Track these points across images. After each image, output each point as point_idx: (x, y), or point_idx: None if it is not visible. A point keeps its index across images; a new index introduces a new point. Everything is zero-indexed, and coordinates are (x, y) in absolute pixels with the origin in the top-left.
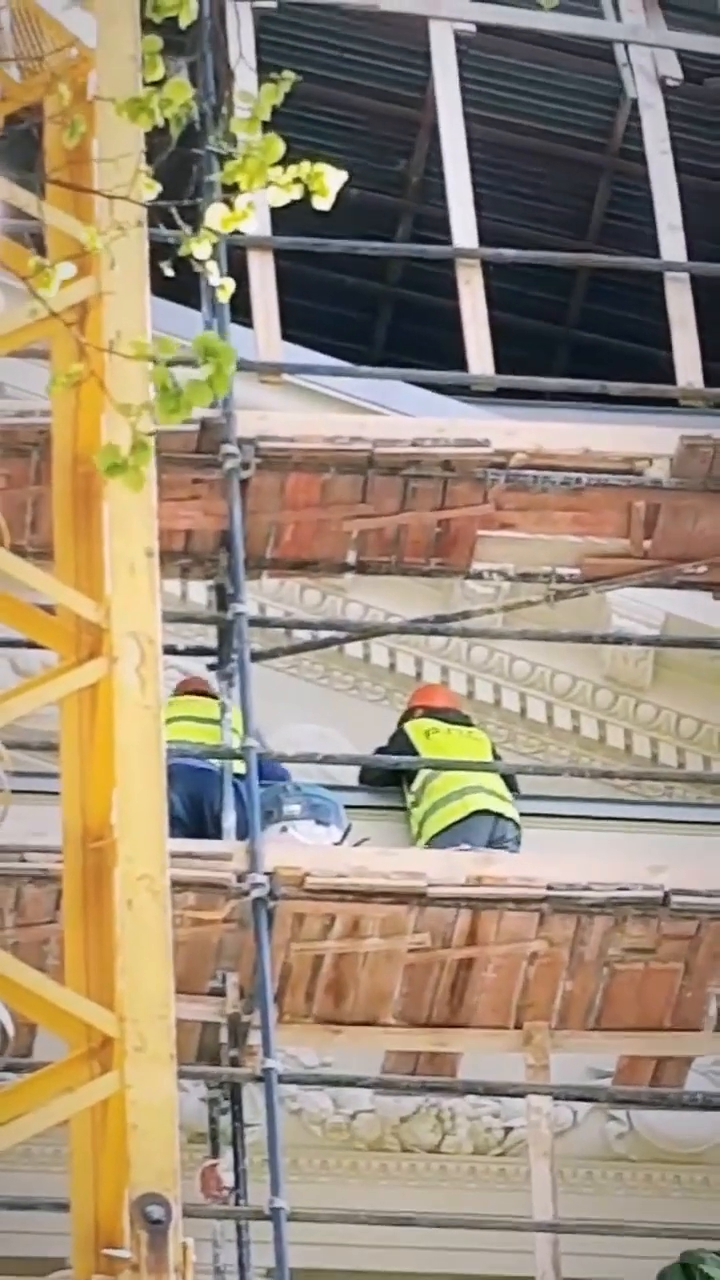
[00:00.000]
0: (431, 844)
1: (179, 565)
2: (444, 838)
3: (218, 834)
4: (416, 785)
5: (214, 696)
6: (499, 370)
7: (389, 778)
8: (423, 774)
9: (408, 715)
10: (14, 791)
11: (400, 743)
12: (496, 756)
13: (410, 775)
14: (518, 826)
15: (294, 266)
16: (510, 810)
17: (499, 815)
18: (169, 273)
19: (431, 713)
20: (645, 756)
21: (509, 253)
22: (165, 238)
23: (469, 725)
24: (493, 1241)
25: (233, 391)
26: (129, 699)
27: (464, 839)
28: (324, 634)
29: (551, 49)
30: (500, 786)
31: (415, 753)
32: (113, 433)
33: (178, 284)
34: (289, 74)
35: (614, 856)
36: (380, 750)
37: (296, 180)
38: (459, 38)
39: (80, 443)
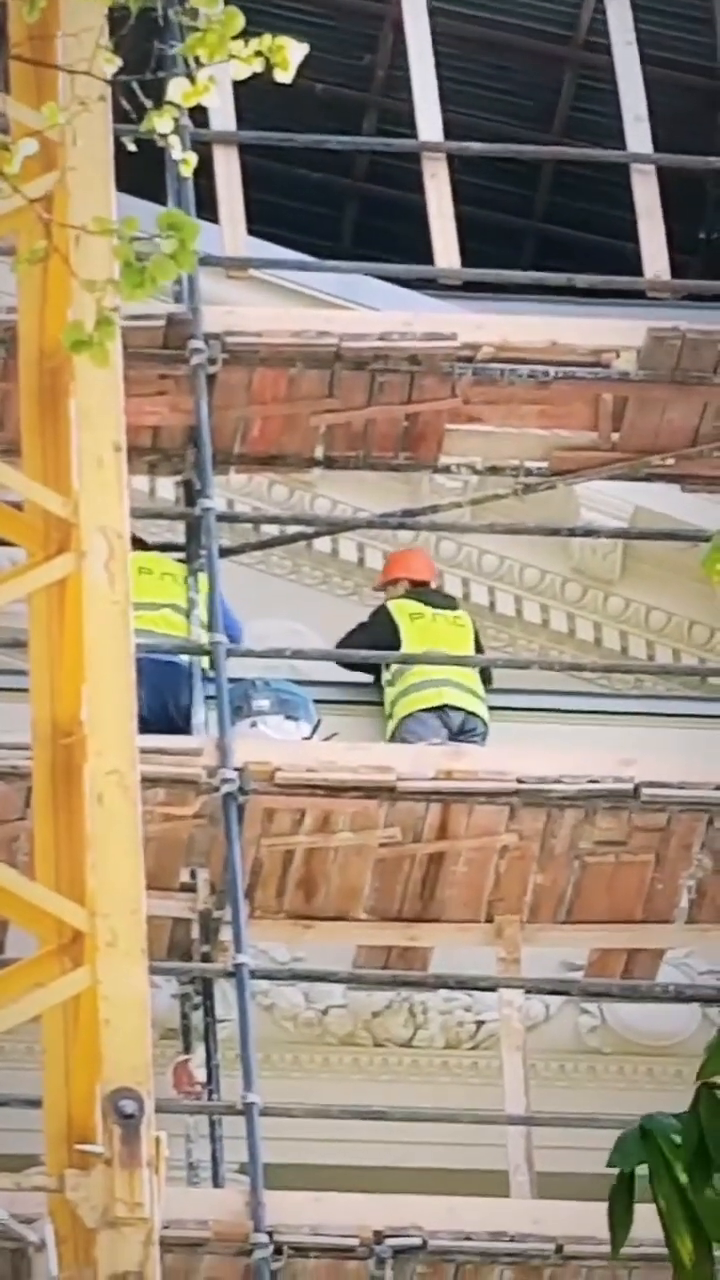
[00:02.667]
0: (401, 725)
1: (146, 461)
2: (412, 721)
3: (185, 730)
4: (394, 667)
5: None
6: (465, 264)
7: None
8: (405, 650)
9: (389, 585)
10: None
11: (382, 621)
12: (479, 644)
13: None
14: (485, 724)
15: (259, 161)
16: (481, 708)
17: (469, 712)
18: (131, 147)
19: (415, 589)
20: (615, 649)
21: (475, 146)
22: (128, 130)
23: (453, 609)
24: (466, 1135)
25: (199, 286)
26: (98, 594)
27: (431, 730)
28: (292, 529)
29: None
30: (475, 682)
31: (397, 633)
32: (78, 313)
33: (142, 179)
34: None
35: (584, 749)
36: (361, 625)
37: (258, 54)
38: None
39: (46, 337)
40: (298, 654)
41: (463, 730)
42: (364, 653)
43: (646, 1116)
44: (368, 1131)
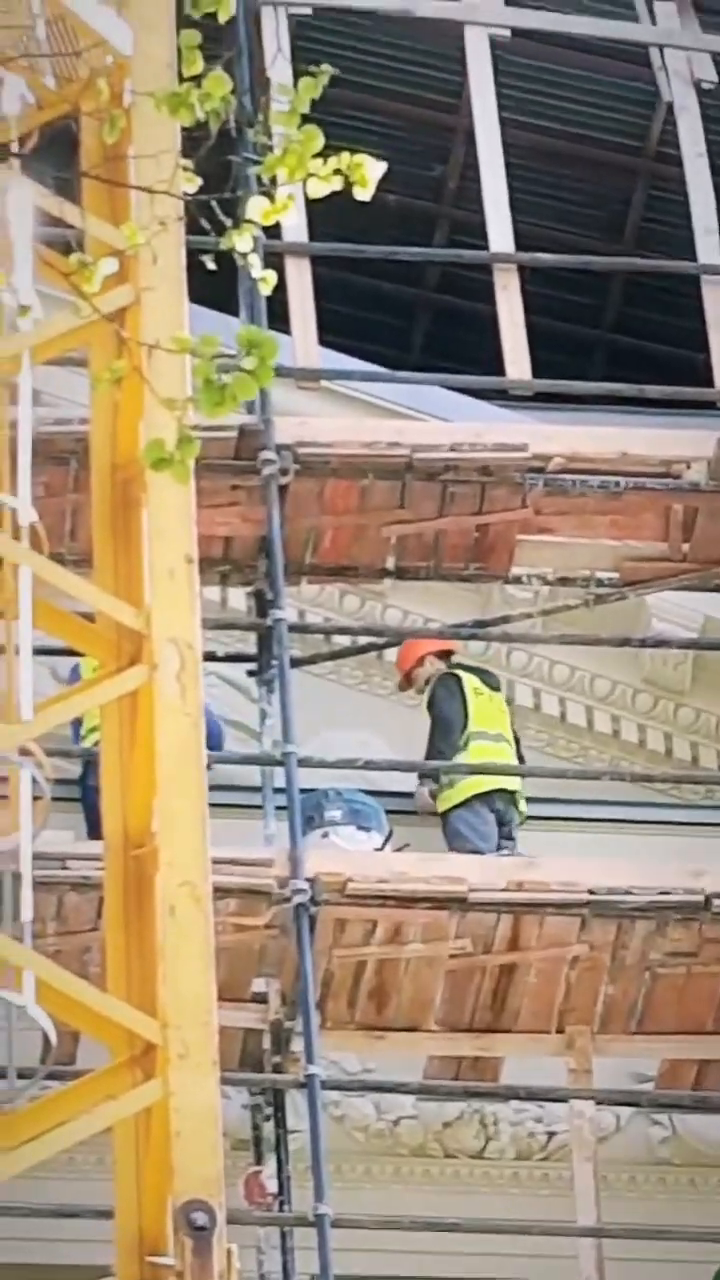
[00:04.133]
0: (455, 814)
1: (218, 572)
2: (468, 812)
3: None
4: (460, 738)
5: None
6: (536, 374)
7: (444, 723)
8: (469, 730)
9: (417, 668)
10: (54, 799)
11: (455, 690)
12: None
13: (463, 724)
14: (521, 810)
15: (331, 272)
16: (521, 792)
17: (513, 795)
18: (211, 266)
19: (447, 655)
20: (686, 760)
21: (545, 257)
22: (202, 243)
23: (498, 690)
24: (537, 1247)
25: (271, 398)
26: (169, 706)
27: (484, 820)
28: (363, 639)
29: (586, 53)
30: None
31: (466, 703)
32: (152, 433)
33: (214, 292)
34: (327, 67)
35: (655, 860)
36: (443, 696)
37: (337, 172)
38: (494, 43)
39: (119, 449)
40: (369, 764)
41: (503, 822)
42: (433, 763)
43: None
44: (439, 1243)
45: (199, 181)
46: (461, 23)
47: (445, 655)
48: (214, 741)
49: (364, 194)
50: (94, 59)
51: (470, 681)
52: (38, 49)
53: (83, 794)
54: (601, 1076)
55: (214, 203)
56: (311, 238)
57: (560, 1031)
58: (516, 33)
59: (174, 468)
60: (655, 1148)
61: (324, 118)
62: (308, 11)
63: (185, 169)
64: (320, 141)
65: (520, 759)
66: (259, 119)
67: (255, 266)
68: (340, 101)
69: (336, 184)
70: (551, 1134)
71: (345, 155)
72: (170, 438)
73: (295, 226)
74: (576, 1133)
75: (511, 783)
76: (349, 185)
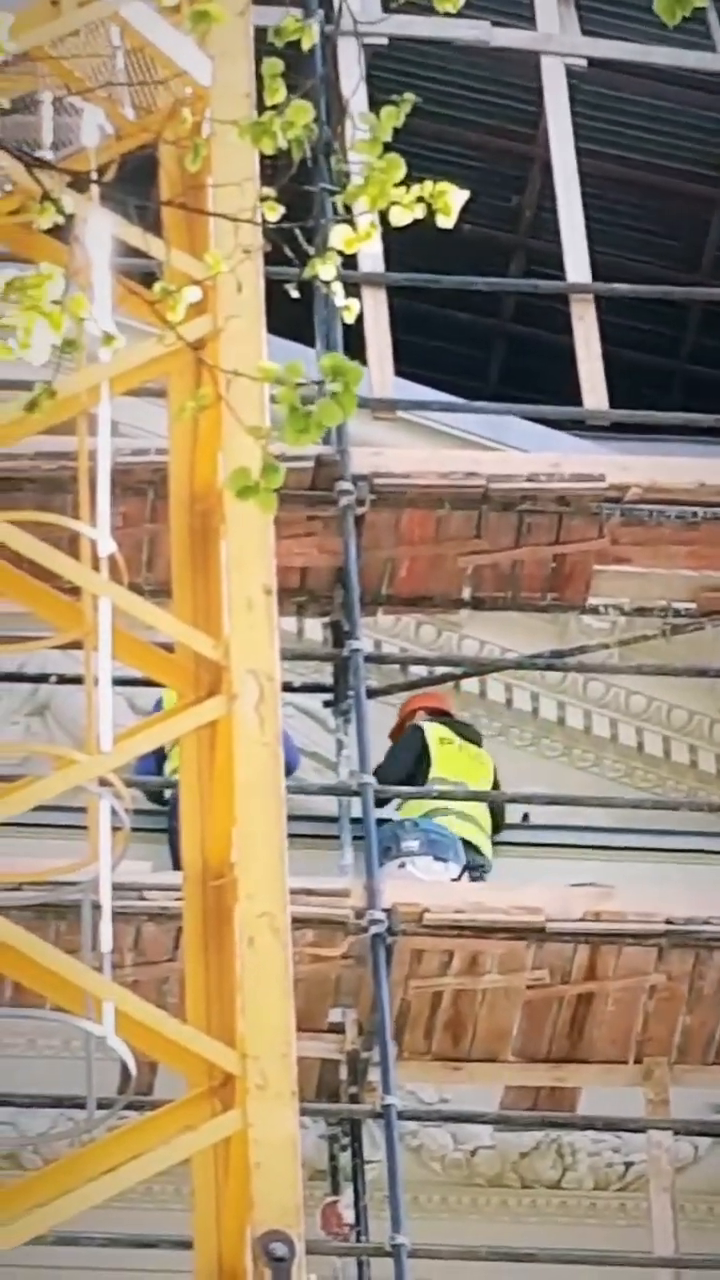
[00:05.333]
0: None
1: (295, 602)
2: (417, 830)
3: None
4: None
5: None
6: (613, 405)
7: (405, 778)
8: (431, 776)
9: (412, 714)
10: (133, 830)
11: (415, 742)
12: (496, 781)
13: (423, 775)
14: (489, 862)
15: (407, 303)
16: (485, 845)
17: (474, 847)
18: (295, 294)
19: (440, 715)
20: None
21: (622, 287)
22: (281, 273)
23: (478, 744)
24: (614, 1277)
25: (347, 428)
26: (248, 737)
27: (436, 850)
28: (440, 670)
29: (663, 83)
30: (484, 817)
31: (429, 754)
32: (233, 462)
33: (286, 322)
34: (409, 95)
35: None
36: (392, 739)
37: (419, 199)
38: (570, 72)
39: (197, 480)
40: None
41: (470, 866)
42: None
43: None
44: (516, 1273)
45: (281, 210)
46: (538, 53)
47: (437, 714)
48: (291, 768)
49: (447, 222)
50: (173, 89)
51: (437, 732)
52: (116, 80)
53: (170, 825)
54: (679, 1106)
55: (297, 231)
56: (387, 268)
57: (638, 1062)
58: (593, 62)
59: (259, 496)
60: None
61: (399, 147)
62: (383, 41)
63: (267, 198)
64: (403, 170)
65: (496, 814)
66: (337, 148)
67: (338, 295)
68: (415, 131)
69: (419, 212)
70: (629, 1164)
71: (428, 183)
72: (253, 466)
73: (372, 257)
74: (654, 1163)
75: (471, 833)
76: (431, 213)
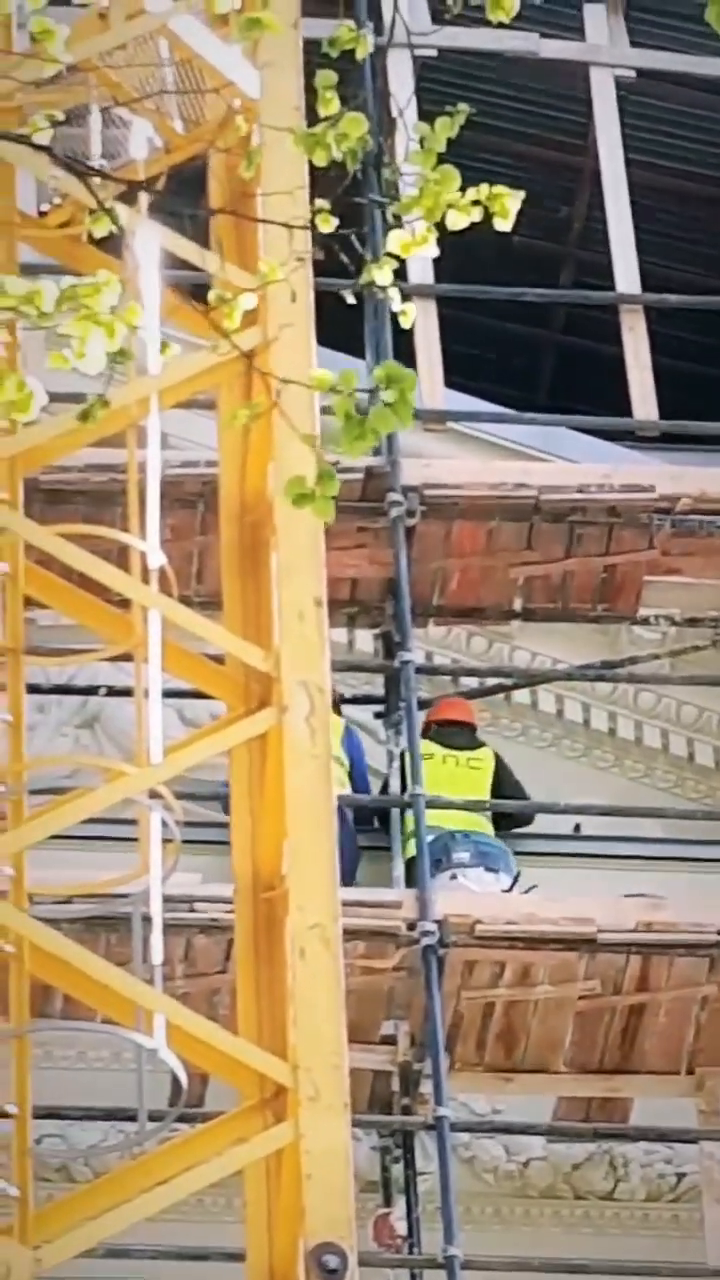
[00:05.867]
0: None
1: (345, 614)
2: (468, 842)
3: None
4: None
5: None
6: (663, 415)
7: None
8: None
9: (427, 729)
10: (184, 842)
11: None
12: (499, 777)
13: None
14: (495, 849)
15: (457, 314)
16: (488, 829)
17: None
18: (351, 300)
19: (440, 728)
20: None
21: (672, 298)
22: (332, 284)
23: (472, 749)
24: None
25: (397, 439)
26: (299, 749)
27: (488, 861)
28: (491, 681)
29: (712, 93)
30: (478, 822)
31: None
32: (285, 472)
33: (333, 333)
34: (464, 106)
35: None
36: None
37: (476, 203)
38: (619, 83)
39: (247, 491)
40: (496, 805)
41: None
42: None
43: None
44: None
45: (335, 221)
46: (586, 64)
47: (447, 724)
48: (360, 784)
49: (505, 225)
50: (221, 101)
51: (425, 748)
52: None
53: None
54: None
55: (353, 238)
56: (437, 279)
57: (690, 1072)
58: (641, 73)
59: (315, 503)
60: None
61: (448, 158)
62: (433, 53)
63: (321, 210)
64: (458, 181)
65: (517, 824)
66: (387, 159)
67: (394, 300)
68: (464, 143)
69: (476, 215)
70: (681, 1175)
71: (484, 186)
72: (308, 474)
73: (421, 268)
74: (707, 1174)
75: (471, 825)
76: (488, 217)
